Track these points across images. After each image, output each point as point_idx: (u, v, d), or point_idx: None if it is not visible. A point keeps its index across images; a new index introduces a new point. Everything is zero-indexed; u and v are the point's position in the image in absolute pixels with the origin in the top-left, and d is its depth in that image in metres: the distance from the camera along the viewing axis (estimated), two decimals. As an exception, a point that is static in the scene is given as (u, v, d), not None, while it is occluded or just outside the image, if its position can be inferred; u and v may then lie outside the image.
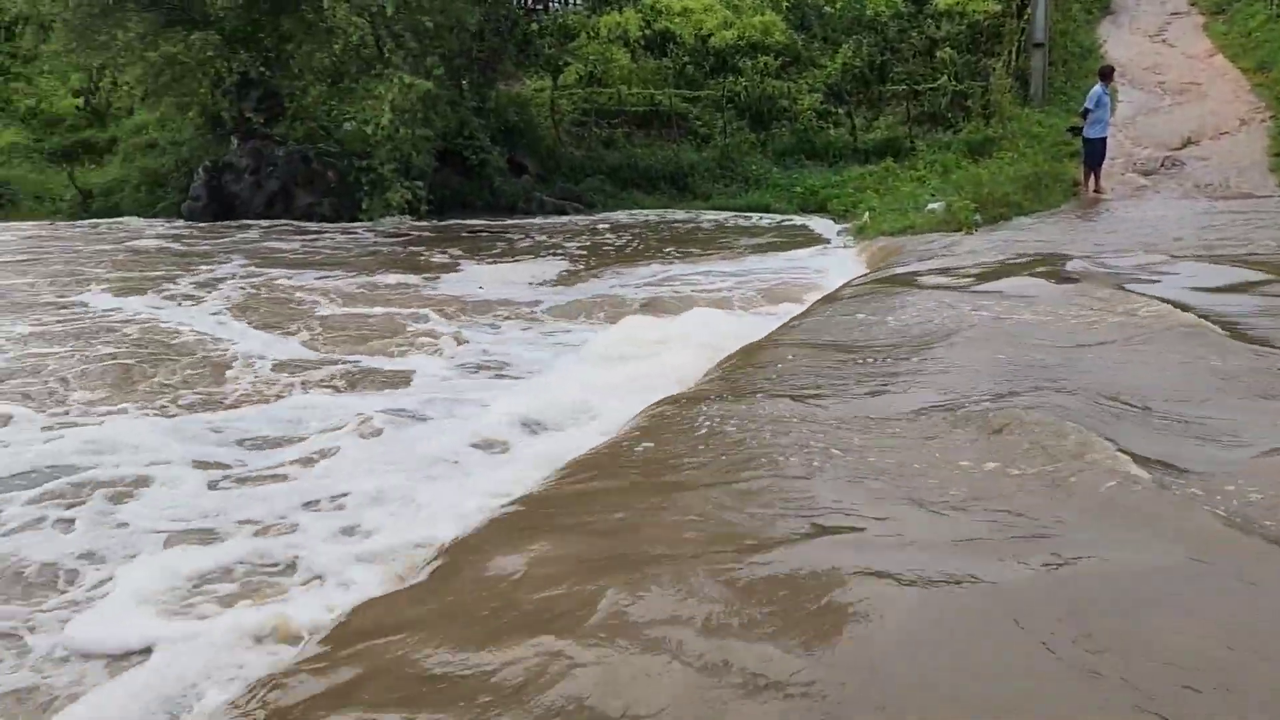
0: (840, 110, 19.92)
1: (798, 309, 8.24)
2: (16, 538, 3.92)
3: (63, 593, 3.48)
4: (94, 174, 18.81)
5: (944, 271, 8.57)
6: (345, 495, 4.39)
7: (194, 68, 15.40)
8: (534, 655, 2.30)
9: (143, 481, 4.53)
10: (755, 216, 16.39)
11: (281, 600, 3.37)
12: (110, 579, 3.54)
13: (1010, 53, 18.70)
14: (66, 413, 5.65)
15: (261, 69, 16.26)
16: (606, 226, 15.58)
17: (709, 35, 21.35)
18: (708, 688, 2.08)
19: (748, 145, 19.42)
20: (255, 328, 8.03)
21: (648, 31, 21.53)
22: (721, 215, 16.71)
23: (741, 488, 3.55)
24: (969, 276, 8.12)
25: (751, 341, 6.94)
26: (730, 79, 20.39)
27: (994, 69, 18.71)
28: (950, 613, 2.33)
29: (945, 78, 19.28)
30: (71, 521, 4.06)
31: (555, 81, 20.06)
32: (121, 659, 3.00)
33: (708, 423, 4.59)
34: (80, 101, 21.02)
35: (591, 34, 19.81)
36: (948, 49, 19.76)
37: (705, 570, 2.68)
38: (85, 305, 9.08)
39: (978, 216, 12.04)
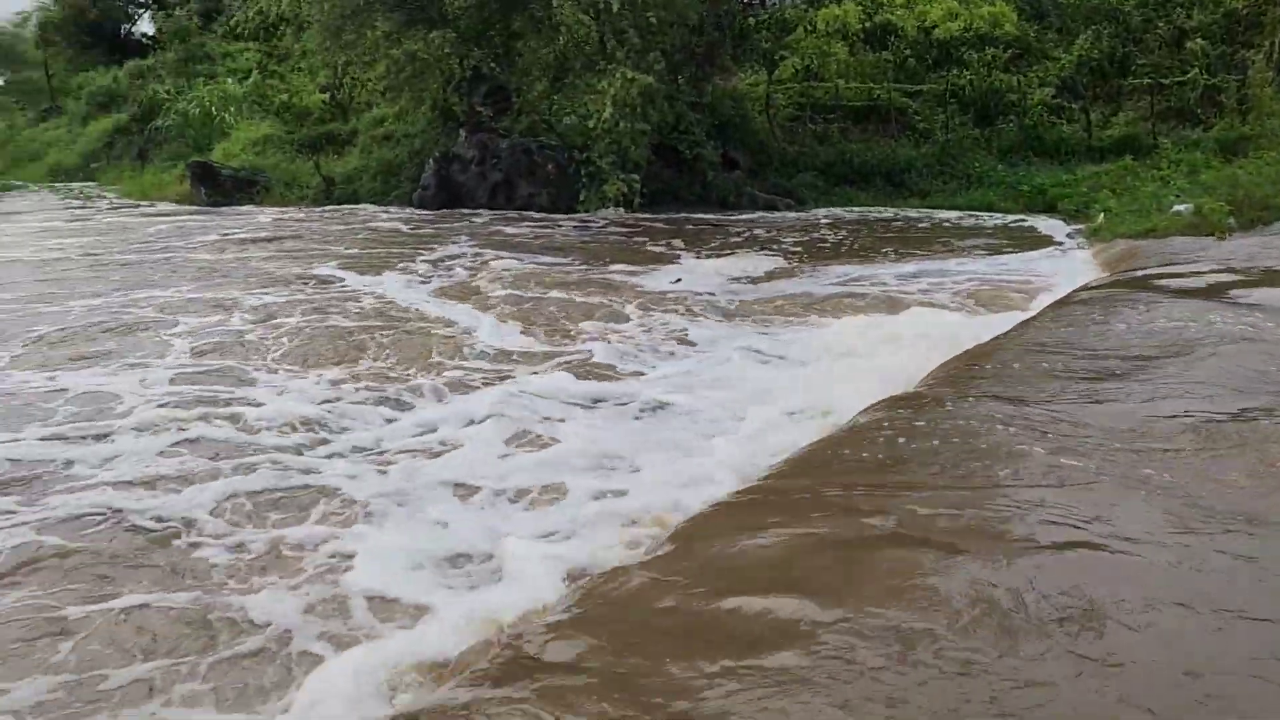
0: (1074, 105, 18.77)
1: (1025, 313, 7.84)
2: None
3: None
4: (336, 163, 20.26)
5: (1193, 278, 7.91)
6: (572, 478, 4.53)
7: (431, 64, 16.28)
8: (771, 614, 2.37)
9: (425, 451, 4.87)
10: (978, 216, 15.68)
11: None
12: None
13: (1272, 44, 17.04)
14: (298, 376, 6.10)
15: (492, 65, 17.00)
16: (825, 222, 15.33)
17: (933, 27, 20.58)
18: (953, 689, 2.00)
19: (970, 142, 18.63)
20: (480, 309, 8.38)
21: (867, 24, 20.99)
22: (941, 214, 16.10)
23: (978, 488, 3.46)
24: (1222, 284, 7.45)
25: (980, 343, 6.67)
26: (954, 72, 19.62)
27: (1253, 61, 17.10)
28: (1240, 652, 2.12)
29: (1196, 70, 17.78)
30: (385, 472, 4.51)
31: (771, 76, 19.92)
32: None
33: (936, 422, 4.48)
34: (326, 97, 22.69)
35: (809, 28, 19.51)
36: (1199, 40, 18.21)
37: (937, 563, 2.59)
38: (325, 279, 9.79)
39: (1232, 220, 11.04)
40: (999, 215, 15.68)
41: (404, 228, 14.93)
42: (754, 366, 6.64)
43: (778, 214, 16.66)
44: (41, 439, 5.03)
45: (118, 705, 2.78)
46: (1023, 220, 15.09)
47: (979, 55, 19.73)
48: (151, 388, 5.96)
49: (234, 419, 5.39)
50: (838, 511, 3.50)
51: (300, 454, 4.84)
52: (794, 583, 2.81)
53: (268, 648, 3.07)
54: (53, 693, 2.84)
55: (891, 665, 2.23)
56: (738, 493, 4.04)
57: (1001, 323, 7.50)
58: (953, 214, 16.00)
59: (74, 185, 26.44)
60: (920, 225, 14.79)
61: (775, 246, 12.54)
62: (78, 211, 19.73)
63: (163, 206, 20.02)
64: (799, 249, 12.36)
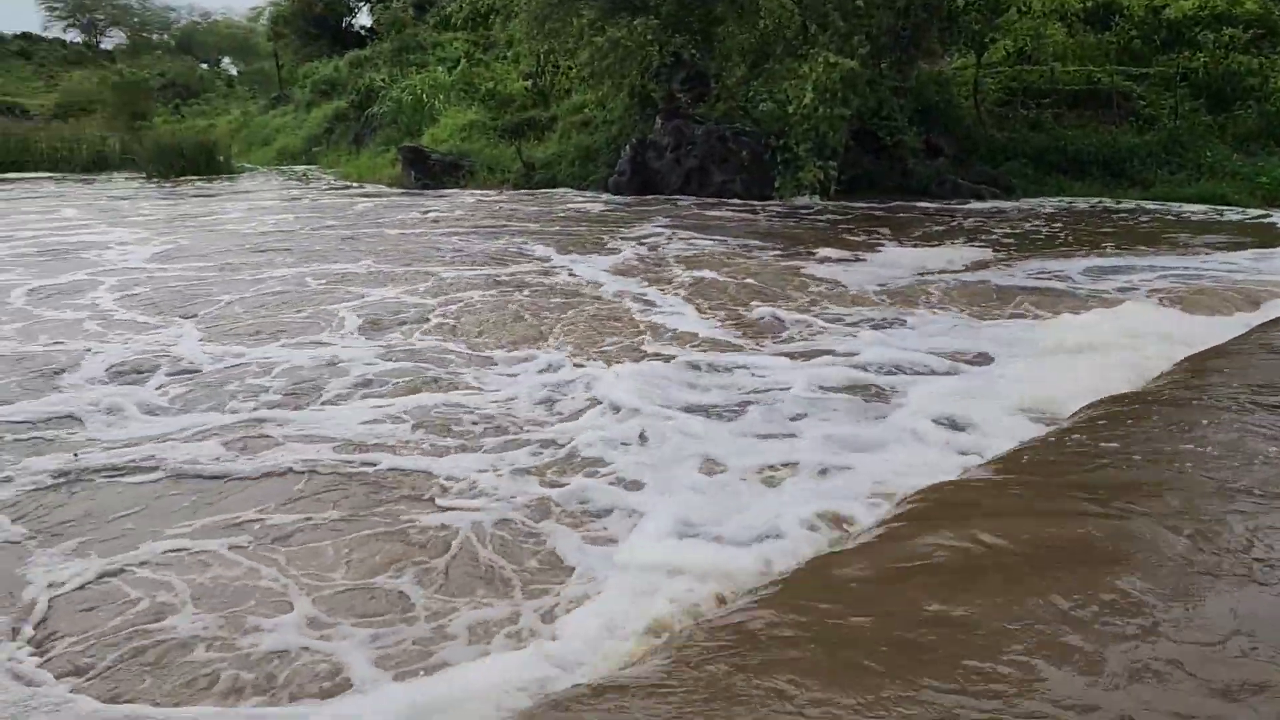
0: (1326, 90, 16.98)
1: (1264, 315, 7.24)
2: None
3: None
4: (537, 148, 20.88)
5: None
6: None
7: (633, 50, 16.44)
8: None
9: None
10: (1211, 209, 14.43)
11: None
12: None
13: None
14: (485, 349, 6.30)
15: (692, 51, 17.03)
16: (1038, 212, 14.51)
17: (1163, 6, 19.10)
18: None
19: (1202, 129, 17.14)
20: (675, 292, 8.41)
21: (1089, 4, 19.71)
22: (1166, 206, 14.92)
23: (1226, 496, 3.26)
24: None
25: (1213, 345, 6.26)
26: (1185, 54, 18.12)
27: None
28: None
29: None
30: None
31: (980, 59, 18.99)
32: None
33: (1170, 424, 4.22)
34: (529, 84, 23.40)
35: (1023, 8, 18.45)
36: None
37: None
38: (528, 257, 10.09)
39: None
40: (1235, 210, 14.38)
41: (600, 209, 15.26)
42: (971, 359, 6.37)
43: (984, 203, 15.90)
44: (267, 405, 5.44)
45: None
46: (1266, 215, 13.77)
47: (1215, 35, 18.13)
48: (368, 358, 6.32)
49: (460, 389, 5.65)
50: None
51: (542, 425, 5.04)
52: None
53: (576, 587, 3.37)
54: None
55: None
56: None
57: (1238, 324, 6.98)
58: (1181, 207, 14.80)
59: (297, 168, 28.42)
60: (1144, 218, 13.76)
61: (984, 237, 11.97)
62: (294, 191, 21.23)
63: (374, 188, 21.25)
64: (1010, 240, 11.75)
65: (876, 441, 4.73)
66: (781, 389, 5.59)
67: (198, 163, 25.72)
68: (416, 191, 19.89)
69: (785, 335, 6.97)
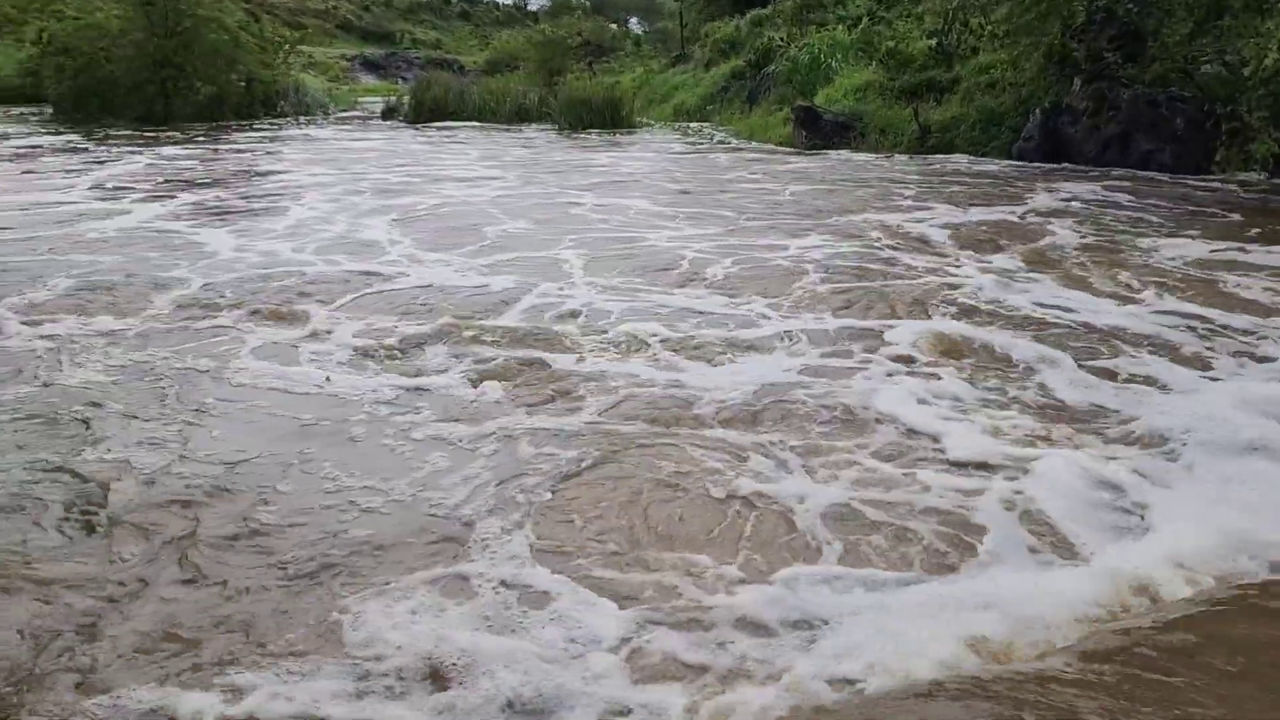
0: None
1: None
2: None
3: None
4: (935, 111, 20.00)
5: None
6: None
7: (1059, 4, 15.18)
8: None
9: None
10: None
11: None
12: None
13: None
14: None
15: (1129, 5, 15.37)
16: None
17: None
18: None
19: None
20: (1066, 283, 7.68)
21: None
22: None
23: None
24: None
25: None
26: None
27: None
28: None
29: None
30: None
31: None
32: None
33: None
34: (933, 43, 22.41)
35: None
36: None
37: None
38: (899, 229, 9.71)
39: None
40: None
41: (1006, 176, 14.34)
42: None
43: None
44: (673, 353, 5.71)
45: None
46: None
47: None
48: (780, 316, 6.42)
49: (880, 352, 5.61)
50: None
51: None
52: None
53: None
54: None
55: None
56: None
57: None
58: None
59: (692, 125, 29.55)
60: None
61: None
62: (685, 145, 22.08)
63: (763, 148, 21.57)
64: None
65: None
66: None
67: (603, 115, 27.59)
68: (808, 152, 19.93)
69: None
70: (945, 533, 3.44)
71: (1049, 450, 4.13)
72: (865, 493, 3.75)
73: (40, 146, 18.54)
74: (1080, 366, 5.29)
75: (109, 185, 12.87)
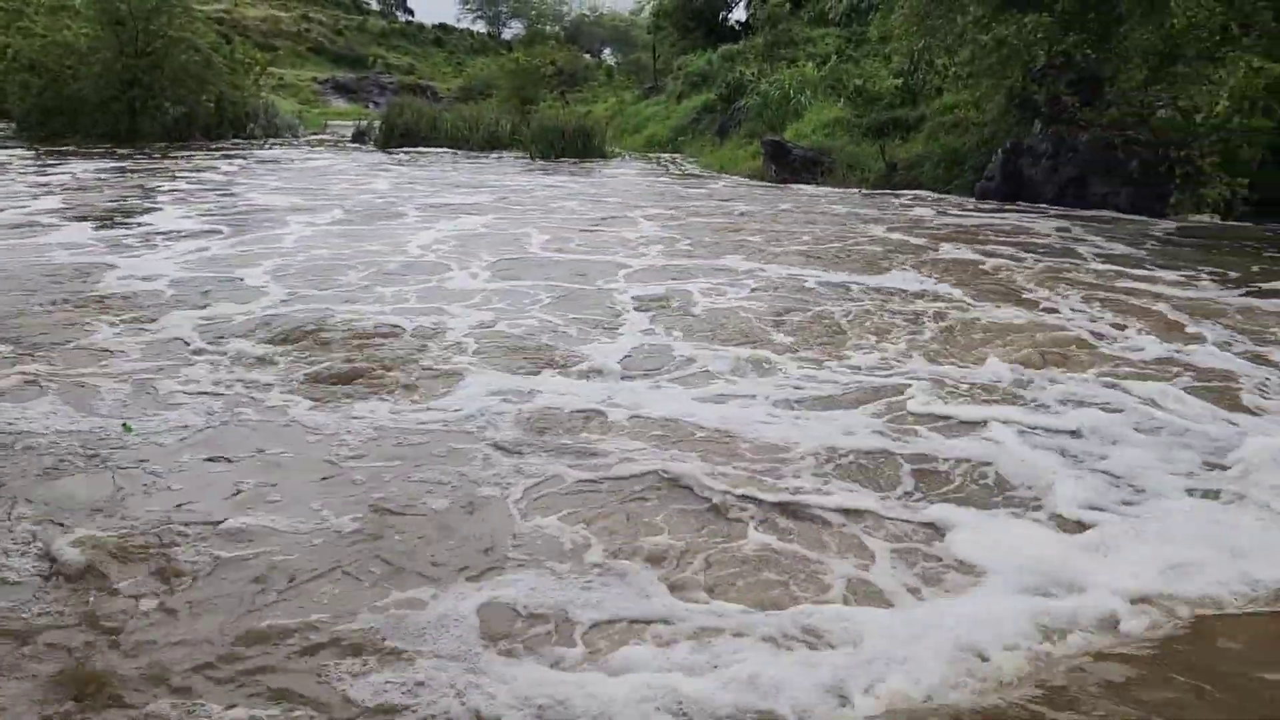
0: None
1: None
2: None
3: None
4: (900, 148, 20.39)
5: None
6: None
7: (1020, 49, 15.58)
8: None
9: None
10: None
11: None
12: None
13: None
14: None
15: (1086, 51, 15.80)
16: None
17: None
18: None
19: None
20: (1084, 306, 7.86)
21: None
22: None
23: None
24: None
25: None
26: None
27: None
28: None
29: None
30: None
31: None
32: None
33: None
34: (899, 82, 22.88)
35: None
36: None
37: None
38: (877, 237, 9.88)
39: None
40: None
41: (965, 218, 14.61)
42: None
43: None
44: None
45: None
46: None
47: None
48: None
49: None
50: None
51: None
52: None
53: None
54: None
55: None
56: None
57: None
58: None
59: (663, 156, 29.85)
60: None
61: None
62: (659, 176, 22.29)
63: (731, 179, 21.81)
64: None
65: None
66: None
67: (575, 144, 27.78)
68: (776, 185, 20.19)
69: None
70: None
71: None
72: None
73: None
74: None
75: None
